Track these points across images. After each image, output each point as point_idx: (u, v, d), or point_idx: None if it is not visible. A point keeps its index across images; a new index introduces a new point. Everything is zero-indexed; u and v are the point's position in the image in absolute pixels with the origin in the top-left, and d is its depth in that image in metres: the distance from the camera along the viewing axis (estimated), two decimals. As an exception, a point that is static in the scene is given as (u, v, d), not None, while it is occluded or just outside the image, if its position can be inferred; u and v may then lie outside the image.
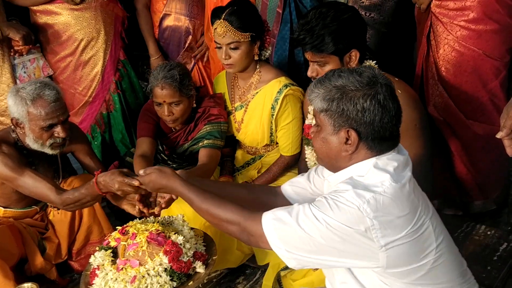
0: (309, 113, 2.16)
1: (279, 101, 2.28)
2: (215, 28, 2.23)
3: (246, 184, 1.86)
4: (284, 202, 1.62)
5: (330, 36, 1.85)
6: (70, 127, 2.21)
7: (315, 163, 2.18)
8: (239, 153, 2.60)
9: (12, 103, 2.05)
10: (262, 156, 2.51)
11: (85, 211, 2.32)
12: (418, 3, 2.34)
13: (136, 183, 1.66)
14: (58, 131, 2.09)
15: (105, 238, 1.80)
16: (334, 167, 1.43)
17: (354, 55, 1.90)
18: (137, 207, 1.83)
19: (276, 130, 2.38)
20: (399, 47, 2.67)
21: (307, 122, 2.18)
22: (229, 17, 2.19)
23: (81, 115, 3.03)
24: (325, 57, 1.89)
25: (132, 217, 1.89)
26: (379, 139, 1.35)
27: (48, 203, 2.28)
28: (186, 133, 2.47)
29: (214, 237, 1.94)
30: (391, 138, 1.37)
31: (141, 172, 1.65)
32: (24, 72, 2.77)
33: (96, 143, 3.06)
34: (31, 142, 2.09)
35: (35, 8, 2.81)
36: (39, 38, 2.88)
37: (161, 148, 2.57)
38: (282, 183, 2.26)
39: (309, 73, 1.96)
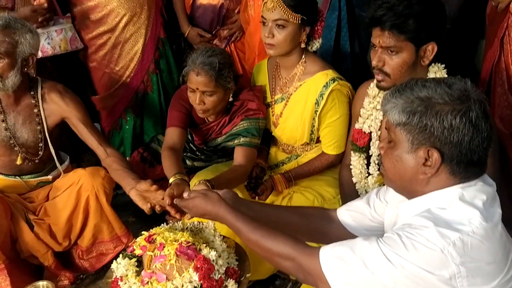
0: (360, 116, 1.95)
1: (325, 96, 2.09)
2: (265, 2, 2.05)
3: (298, 208, 1.69)
4: (339, 229, 1.45)
5: (414, 18, 1.65)
6: (60, 91, 2.16)
7: (360, 172, 1.97)
8: (273, 151, 2.40)
9: None
10: (299, 156, 2.31)
11: (91, 209, 2.20)
12: (495, 1, 2.07)
13: (180, 215, 1.67)
14: None
15: (129, 245, 1.63)
16: (407, 191, 1.24)
17: (431, 49, 1.70)
18: (148, 204, 1.77)
19: (318, 128, 2.18)
20: (462, 46, 2.41)
21: (357, 126, 1.96)
22: None
23: (116, 96, 2.84)
24: (402, 43, 1.68)
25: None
26: (465, 164, 1.15)
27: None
28: (220, 126, 2.27)
29: (245, 248, 1.76)
30: (478, 163, 1.17)
31: (185, 195, 1.55)
32: (48, 43, 2.56)
33: (127, 127, 2.89)
34: None
35: None
36: (72, 9, 2.68)
37: (190, 138, 2.40)
38: (319, 185, 2.15)
39: (374, 62, 1.75)
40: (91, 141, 2.16)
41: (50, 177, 2.29)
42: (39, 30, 2.48)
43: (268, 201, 2.13)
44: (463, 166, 1.16)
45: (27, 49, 2.04)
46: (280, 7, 2.00)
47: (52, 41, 2.56)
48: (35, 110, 2.16)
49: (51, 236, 2.20)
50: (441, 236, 1.07)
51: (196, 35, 2.88)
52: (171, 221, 1.75)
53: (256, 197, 2.13)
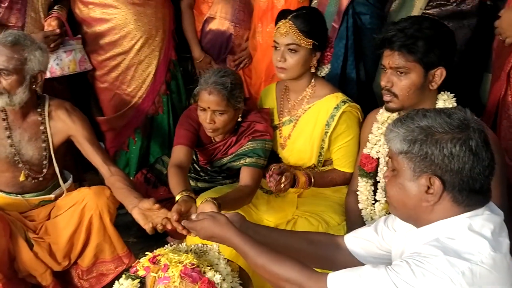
0: (368, 141, 1.96)
1: (336, 118, 2.12)
2: (278, 27, 2.11)
3: (305, 233, 1.69)
4: (347, 256, 1.44)
5: (424, 40, 1.68)
6: (67, 108, 2.18)
7: (367, 198, 1.97)
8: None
9: None
10: None
11: (94, 228, 2.18)
12: (503, 36, 2.10)
13: (187, 232, 1.65)
14: None
15: (132, 265, 1.60)
16: (413, 219, 1.24)
17: (440, 73, 1.72)
18: (150, 224, 1.75)
19: (327, 149, 2.19)
20: (467, 79, 2.44)
21: (365, 151, 1.97)
22: (295, 18, 2.08)
23: (125, 118, 2.85)
24: (410, 64, 1.71)
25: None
26: (468, 192, 1.17)
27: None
28: (226, 146, 2.27)
29: (248, 271, 1.74)
30: (481, 192, 1.18)
31: (193, 216, 1.56)
32: (57, 64, 2.58)
33: (134, 147, 2.88)
34: None
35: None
36: (83, 31, 2.71)
37: (195, 158, 2.39)
38: (324, 211, 2.11)
39: (383, 83, 1.77)
40: (96, 160, 2.16)
41: (52, 196, 2.28)
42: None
43: (272, 225, 2.11)
44: (465, 194, 1.17)
45: (36, 66, 2.05)
46: (293, 32, 2.05)
47: (61, 62, 2.57)
48: (41, 127, 2.16)
49: (51, 256, 2.17)
50: (451, 265, 1.07)
51: (208, 62, 2.92)
52: (172, 242, 1.72)
53: (274, 186, 2.06)
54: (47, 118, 2.16)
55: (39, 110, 2.16)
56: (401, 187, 1.22)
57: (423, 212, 1.20)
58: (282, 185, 2.02)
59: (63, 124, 2.17)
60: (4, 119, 2.11)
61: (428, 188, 1.18)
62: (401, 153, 1.20)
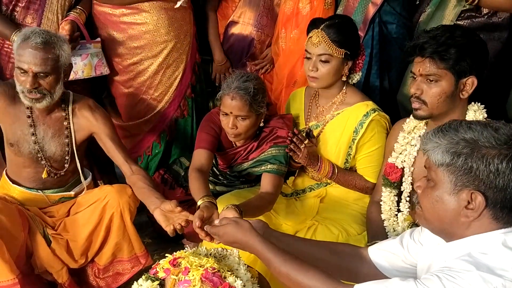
0: (394, 151, 1.93)
1: (365, 125, 2.10)
2: (310, 37, 2.10)
3: (328, 243, 1.66)
4: (371, 269, 1.42)
5: (456, 48, 1.66)
6: (91, 106, 2.19)
7: (390, 208, 1.93)
8: (300, 177, 2.38)
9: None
10: (328, 184, 2.28)
11: (114, 226, 2.16)
12: None
13: (210, 239, 1.61)
14: (25, 80, 1.97)
15: (152, 266, 1.58)
16: (445, 233, 1.21)
17: (471, 82, 1.69)
18: (171, 226, 1.73)
19: (354, 156, 2.17)
20: (494, 91, 2.40)
21: (390, 160, 1.94)
22: (327, 28, 2.06)
23: (151, 123, 2.83)
24: (441, 71, 1.69)
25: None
26: (509, 209, 1.13)
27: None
28: (247, 151, 2.26)
29: (266, 277, 1.71)
30: None
31: (216, 222, 1.55)
32: None
33: (157, 151, 2.87)
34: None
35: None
36: (106, 35, 2.65)
37: (215, 162, 2.38)
38: (345, 220, 2.08)
39: (412, 90, 1.75)
40: (118, 157, 2.16)
41: (72, 193, 2.29)
42: None
43: (291, 230, 2.09)
44: (506, 212, 1.14)
45: (67, 59, 2.06)
46: (325, 42, 2.05)
47: (75, 66, 2.50)
48: (65, 123, 2.17)
49: (68, 253, 2.17)
50: (484, 281, 1.04)
51: (227, 67, 2.92)
52: (187, 246, 1.71)
53: (294, 148, 2.12)
54: (70, 114, 2.17)
55: (63, 105, 2.17)
56: (438, 200, 1.18)
57: (458, 227, 1.17)
58: (302, 149, 2.09)
59: (86, 121, 2.18)
60: (29, 116, 2.12)
61: (468, 203, 1.14)
62: (441, 165, 1.17)
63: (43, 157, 2.16)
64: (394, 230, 1.90)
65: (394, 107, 2.62)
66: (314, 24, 2.11)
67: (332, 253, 1.49)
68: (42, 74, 1.98)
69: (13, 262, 1.94)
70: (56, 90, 2.04)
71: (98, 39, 2.63)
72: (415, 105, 1.75)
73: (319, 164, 2.16)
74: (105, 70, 2.66)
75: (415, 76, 1.75)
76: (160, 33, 2.64)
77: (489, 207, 1.13)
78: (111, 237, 2.18)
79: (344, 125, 2.15)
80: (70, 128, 2.17)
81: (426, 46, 1.68)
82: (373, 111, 2.11)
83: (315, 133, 2.24)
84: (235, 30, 2.93)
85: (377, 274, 1.41)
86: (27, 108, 2.11)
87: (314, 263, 1.35)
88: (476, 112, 1.75)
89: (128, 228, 2.18)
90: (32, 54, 1.95)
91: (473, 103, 1.77)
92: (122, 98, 2.82)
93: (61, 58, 2.03)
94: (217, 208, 1.79)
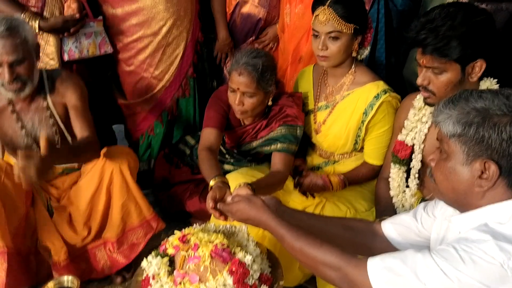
0: (404, 128, 1.90)
1: (375, 107, 2.06)
2: (317, 15, 2.02)
3: (341, 219, 1.67)
4: (383, 243, 1.41)
5: (458, 39, 1.58)
6: (62, 78, 2.09)
7: (399, 185, 1.92)
8: (308, 156, 2.36)
9: None
10: (336, 162, 2.26)
11: (116, 185, 2.10)
12: None
13: (224, 218, 1.61)
14: (2, 72, 1.90)
15: (162, 243, 1.58)
16: (460, 205, 1.19)
17: (479, 66, 1.63)
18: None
19: (363, 138, 2.14)
20: (507, 63, 2.34)
21: (399, 137, 1.91)
22: (334, 4, 1.98)
23: (152, 101, 2.81)
24: (446, 64, 1.62)
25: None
26: None
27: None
28: (256, 129, 2.23)
29: (274, 252, 1.71)
30: None
31: (228, 199, 1.57)
32: (76, 47, 2.50)
33: (159, 130, 2.85)
34: None
35: None
36: (107, 12, 2.63)
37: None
38: (353, 196, 2.08)
39: (419, 81, 1.69)
40: (75, 125, 2.08)
41: (75, 164, 2.25)
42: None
43: (299, 208, 2.08)
44: None
45: (34, 40, 2.00)
46: (333, 19, 1.98)
47: (80, 44, 2.49)
48: (45, 104, 2.10)
49: (70, 226, 2.14)
50: (501, 250, 1.03)
51: (231, 46, 2.86)
52: (195, 224, 1.70)
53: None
54: (48, 93, 2.10)
55: (39, 86, 2.08)
56: (451, 171, 1.17)
57: (473, 198, 1.16)
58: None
59: (58, 94, 2.11)
60: (12, 111, 2.07)
61: (482, 173, 1.13)
62: (453, 136, 1.15)
63: (37, 146, 2.10)
64: (403, 206, 1.88)
65: (401, 82, 2.58)
66: (319, 1, 2.04)
67: (345, 229, 1.49)
68: (17, 62, 1.92)
69: (7, 231, 1.93)
70: (34, 73, 1.99)
71: (100, 17, 2.61)
72: (424, 94, 1.71)
73: (326, 185, 2.10)
74: (109, 49, 2.65)
75: (420, 65, 1.69)
76: (158, 9, 2.60)
77: (503, 175, 1.12)
78: (115, 198, 2.13)
79: (354, 107, 2.10)
80: (49, 107, 2.10)
81: (425, 43, 1.61)
82: (384, 92, 2.05)
83: (324, 114, 2.20)
84: (244, 9, 2.84)
85: (390, 248, 1.41)
86: (9, 103, 2.06)
87: (327, 239, 1.34)
88: (488, 88, 1.70)
89: (132, 187, 2.14)
90: (1, 44, 1.88)
91: (485, 78, 1.72)
92: (124, 76, 2.81)
93: (28, 39, 1.96)
94: (229, 187, 1.77)
